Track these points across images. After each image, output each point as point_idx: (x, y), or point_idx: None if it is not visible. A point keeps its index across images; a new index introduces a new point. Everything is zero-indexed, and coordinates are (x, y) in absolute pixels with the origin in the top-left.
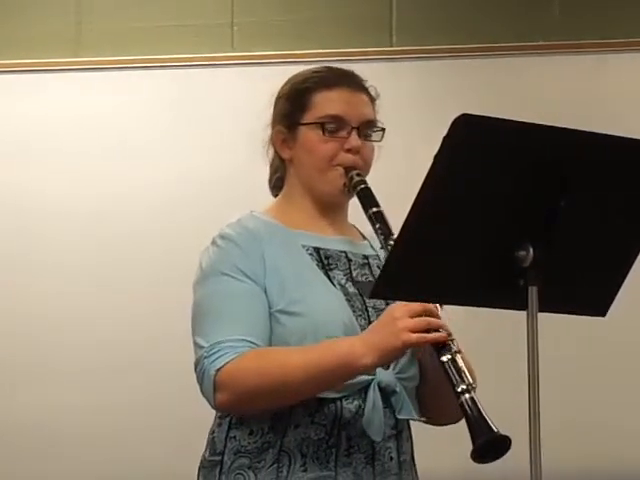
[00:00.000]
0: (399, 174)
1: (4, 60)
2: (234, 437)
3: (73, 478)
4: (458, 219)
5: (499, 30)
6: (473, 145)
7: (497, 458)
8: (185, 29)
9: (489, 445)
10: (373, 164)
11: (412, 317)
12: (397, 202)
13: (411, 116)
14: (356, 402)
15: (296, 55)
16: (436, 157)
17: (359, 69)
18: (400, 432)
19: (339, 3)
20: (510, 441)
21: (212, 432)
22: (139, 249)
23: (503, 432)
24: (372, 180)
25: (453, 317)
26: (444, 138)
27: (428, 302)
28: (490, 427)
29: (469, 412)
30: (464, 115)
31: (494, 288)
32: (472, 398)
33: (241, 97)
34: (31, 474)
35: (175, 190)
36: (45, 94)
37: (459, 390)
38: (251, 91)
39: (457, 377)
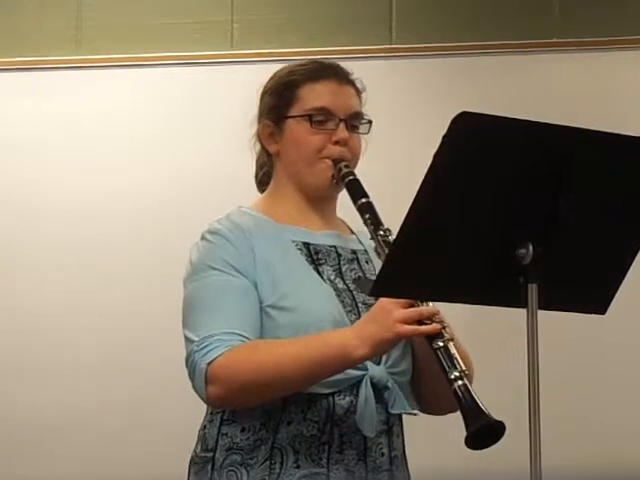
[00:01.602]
0: (398, 171)
1: (3, 58)
2: (226, 434)
3: (71, 476)
4: (458, 217)
5: (499, 28)
6: (472, 143)
7: (491, 445)
8: (184, 26)
9: (483, 431)
10: (372, 160)
11: (404, 308)
12: (396, 200)
13: (411, 114)
14: (348, 398)
15: (296, 53)
16: (435, 155)
17: (359, 67)
18: (391, 428)
19: (339, 1)
20: (504, 427)
21: (203, 428)
22: (138, 247)
23: (497, 418)
24: (371, 177)
25: (452, 313)
26: (443, 136)
27: (428, 300)
28: (484, 413)
29: (462, 399)
30: (463, 113)
31: (494, 286)
32: (465, 385)
33: (240, 95)
34: (29, 472)
35: (174, 187)
36: (44, 92)
37: (452, 377)
38: (251, 89)
39: (449, 364)
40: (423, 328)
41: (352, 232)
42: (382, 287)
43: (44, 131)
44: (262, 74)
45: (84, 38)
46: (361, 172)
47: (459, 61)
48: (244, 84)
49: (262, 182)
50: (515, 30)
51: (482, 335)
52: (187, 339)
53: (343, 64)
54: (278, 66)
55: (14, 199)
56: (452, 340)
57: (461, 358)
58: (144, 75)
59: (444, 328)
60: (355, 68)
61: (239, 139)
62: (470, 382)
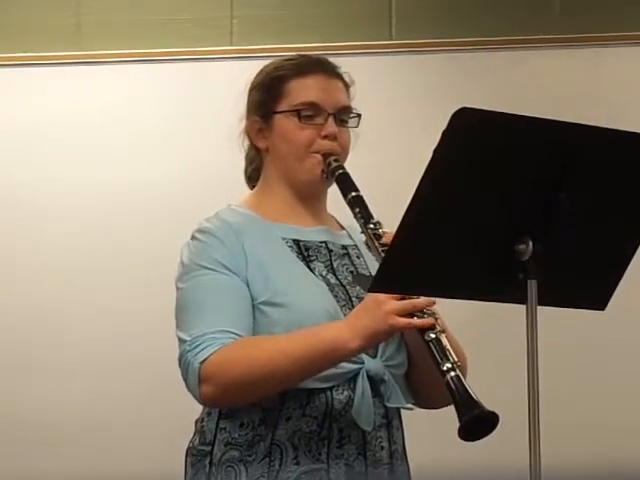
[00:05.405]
0: (398, 167)
1: (3, 54)
2: (224, 428)
3: (71, 473)
4: (457, 213)
5: (499, 24)
6: (472, 139)
7: (484, 436)
8: (184, 22)
9: (476, 422)
10: (371, 155)
11: (396, 300)
12: (396, 196)
13: (410, 109)
14: (346, 392)
15: (296, 49)
16: (435, 151)
17: (359, 62)
18: (390, 421)
19: None
20: (497, 417)
21: (201, 420)
22: (137, 244)
23: (489, 408)
24: (370, 172)
25: (452, 310)
26: (443, 132)
27: (427, 296)
28: (476, 403)
29: (455, 390)
30: (463, 109)
31: (494, 282)
32: (457, 376)
33: (240, 91)
34: (30, 470)
35: (173, 185)
36: (43, 87)
37: (444, 369)
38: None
39: (442, 356)
40: (417, 321)
41: (342, 227)
42: (381, 283)
43: (43, 127)
44: None
45: (83, 34)
46: (360, 167)
47: (459, 57)
48: (244, 80)
49: (251, 178)
50: (515, 26)
51: (481, 331)
52: (180, 339)
53: (343, 60)
54: None
55: (16, 196)
56: (444, 332)
57: (453, 349)
58: (143, 71)
59: (436, 320)
60: (355, 64)
61: (238, 136)
62: (464, 373)
